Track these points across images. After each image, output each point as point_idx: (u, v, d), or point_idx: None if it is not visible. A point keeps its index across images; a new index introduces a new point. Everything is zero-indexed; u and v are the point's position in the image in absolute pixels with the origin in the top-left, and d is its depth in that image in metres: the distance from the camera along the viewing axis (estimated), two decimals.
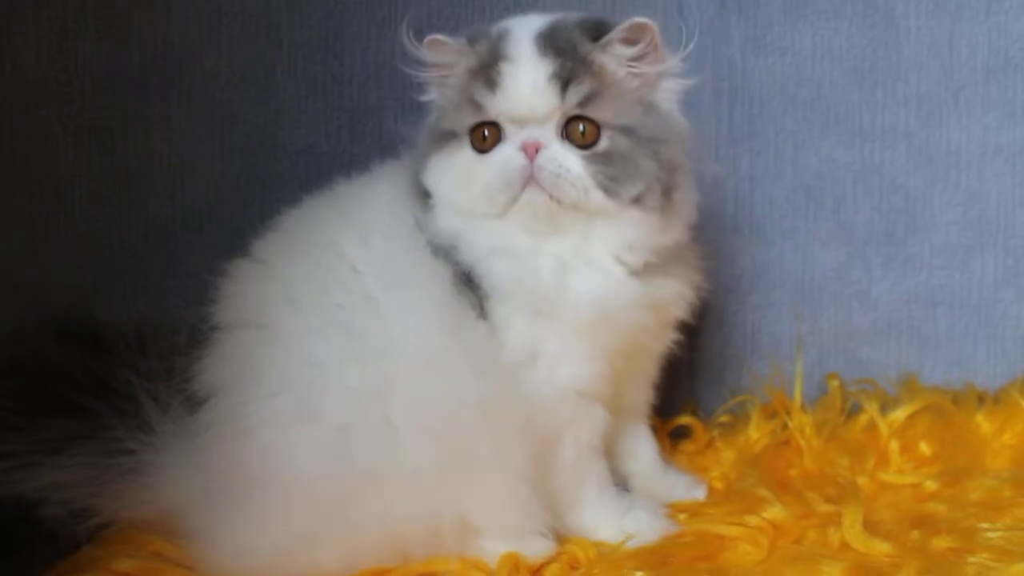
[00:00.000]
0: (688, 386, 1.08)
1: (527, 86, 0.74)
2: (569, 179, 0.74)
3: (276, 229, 0.80)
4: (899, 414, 0.97)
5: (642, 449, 0.89)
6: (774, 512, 0.79)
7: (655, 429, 0.96)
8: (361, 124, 1.01)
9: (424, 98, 0.81)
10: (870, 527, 0.79)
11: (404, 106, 1.01)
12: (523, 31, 0.77)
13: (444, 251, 0.76)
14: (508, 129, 0.75)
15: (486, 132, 0.76)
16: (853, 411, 1.01)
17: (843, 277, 1.08)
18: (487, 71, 0.75)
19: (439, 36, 0.78)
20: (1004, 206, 1.08)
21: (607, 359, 0.78)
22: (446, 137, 0.77)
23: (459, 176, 0.76)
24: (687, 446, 0.97)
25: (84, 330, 0.84)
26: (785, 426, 0.95)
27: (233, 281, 0.78)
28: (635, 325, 0.78)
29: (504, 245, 0.76)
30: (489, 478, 0.73)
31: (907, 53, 1.07)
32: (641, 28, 0.76)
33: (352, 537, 0.71)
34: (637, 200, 0.76)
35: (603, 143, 0.75)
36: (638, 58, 0.77)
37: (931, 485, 0.88)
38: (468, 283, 0.76)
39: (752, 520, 0.78)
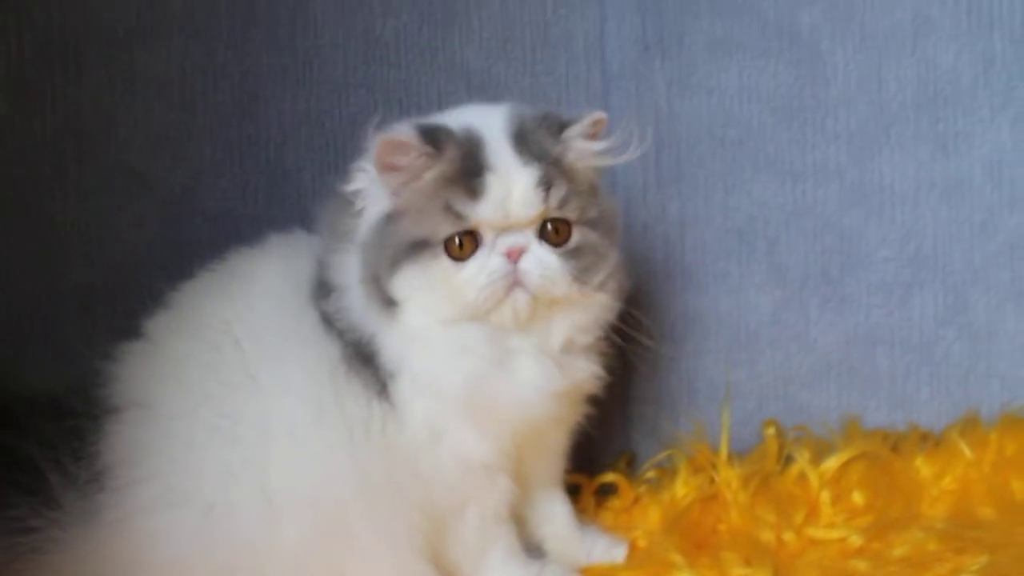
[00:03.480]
0: (624, 436, 1.06)
1: (515, 196, 0.74)
2: (554, 278, 0.75)
3: (167, 306, 0.80)
4: (832, 463, 0.95)
5: (556, 512, 0.87)
6: None
7: (580, 487, 0.95)
8: (279, 187, 1.00)
9: (352, 188, 0.77)
10: None
11: (322, 167, 1.01)
12: (495, 134, 0.76)
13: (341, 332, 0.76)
14: (486, 235, 0.75)
15: (461, 240, 0.74)
16: (791, 460, 0.99)
17: (779, 320, 1.07)
18: (468, 181, 0.74)
19: (402, 136, 0.75)
20: (941, 241, 1.06)
21: (514, 438, 0.78)
22: (416, 247, 0.75)
23: (437, 287, 0.75)
24: (614, 503, 0.96)
25: None
26: (712, 480, 0.94)
27: (123, 363, 0.78)
28: (550, 412, 0.79)
29: (467, 346, 0.75)
30: (372, 555, 0.73)
31: (835, 89, 1.06)
32: (601, 123, 0.78)
33: None
34: (602, 285, 0.79)
35: (574, 239, 0.77)
36: (596, 152, 0.78)
37: (856, 540, 0.86)
38: (366, 363, 0.75)
39: None
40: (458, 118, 0.78)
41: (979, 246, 1.06)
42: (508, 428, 0.77)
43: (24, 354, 0.97)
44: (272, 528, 0.72)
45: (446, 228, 0.74)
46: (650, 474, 0.98)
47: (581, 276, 0.76)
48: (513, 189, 0.74)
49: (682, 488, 0.93)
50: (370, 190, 0.76)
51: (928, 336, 1.06)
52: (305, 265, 0.80)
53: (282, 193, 1.00)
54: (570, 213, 0.76)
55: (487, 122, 0.77)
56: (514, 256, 0.74)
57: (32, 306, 0.98)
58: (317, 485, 0.72)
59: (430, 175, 0.75)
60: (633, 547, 0.88)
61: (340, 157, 1.01)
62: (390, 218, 0.76)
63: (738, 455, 0.98)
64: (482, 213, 0.74)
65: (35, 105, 0.97)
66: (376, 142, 0.74)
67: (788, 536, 0.88)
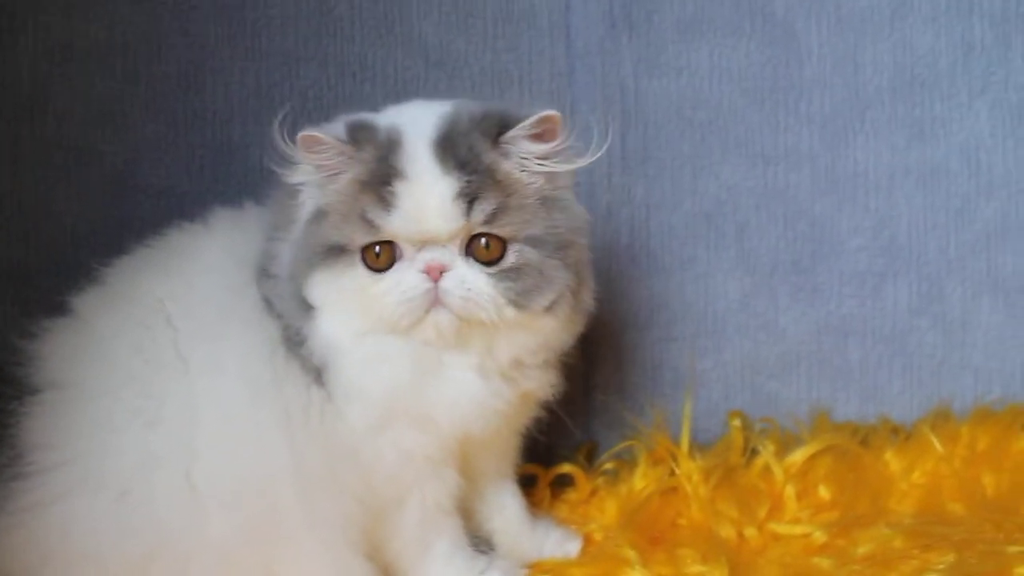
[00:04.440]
0: (585, 426, 1.02)
1: (429, 209, 0.68)
2: (478, 300, 0.68)
3: (97, 282, 0.76)
4: (798, 456, 0.92)
5: (506, 505, 0.83)
6: (635, 575, 0.74)
7: (536, 477, 0.91)
8: (225, 163, 0.96)
9: (293, 181, 0.73)
10: None
11: (270, 143, 0.96)
12: (417, 138, 0.69)
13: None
14: (405, 248, 0.69)
15: (379, 250, 0.69)
16: (757, 453, 0.95)
17: (748, 308, 1.03)
18: (379, 188, 0.68)
19: (315, 132, 0.70)
20: (916, 230, 1.03)
21: (457, 438, 0.74)
22: (333, 252, 0.70)
23: (352, 298, 0.70)
24: (570, 495, 0.92)
25: None
26: (673, 473, 0.90)
27: (45, 340, 0.74)
28: (495, 423, 0.74)
29: (386, 356, 0.71)
30: (305, 549, 0.69)
31: (809, 71, 1.02)
32: (548, 121, 0.70)
33: None
34: (549, 309, 0.71)
35: (510, 258, 0.69)
36: (545, 156, 0.70)
37: (820, 537, 0.83)
38: (302, 347, 0.71)
39: None
40: (393, 115, 0.73)
41: (955, 235, 1.02)
42: (448, 433, 0.73)
43: None
44: (196, 518, 0.68)
45: (361, 236, 0.69)
46: (608, 466, 0.94)
47: (519, 299, 0.69)
48: (428, 201, 0.68)
49: (641, 480, 0.89)
50: (306, 184, 0.72)
51: (901, 327, 1.03)
52: (253, 241, 0.75)
53: (228, 169, 0.96)
54: (502, 229, 0.69)
55: (415, 122, 0.71)
56: (433, 273, 0.68)
57: None
58: (249, 472, 0.68)
59: (346, 177, 0.70)
60: (588, 541, 0.84)
61: (289, 132, 0.96)
62: (316, 217, 0.71)
63: (702, 447, 0.94)
64: (394, 225, 0.68)
65: None
66: (298, 136, 0.70)
67: (750, 532, 0.84)
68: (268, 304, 0.73)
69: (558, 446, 0.97)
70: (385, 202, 0.68)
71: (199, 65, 0.95)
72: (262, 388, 0.70)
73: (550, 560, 0.80)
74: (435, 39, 0.99)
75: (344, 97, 0.97)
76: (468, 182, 0.68)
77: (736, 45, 1.02)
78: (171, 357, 0.71)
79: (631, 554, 0.76)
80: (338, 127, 0.72)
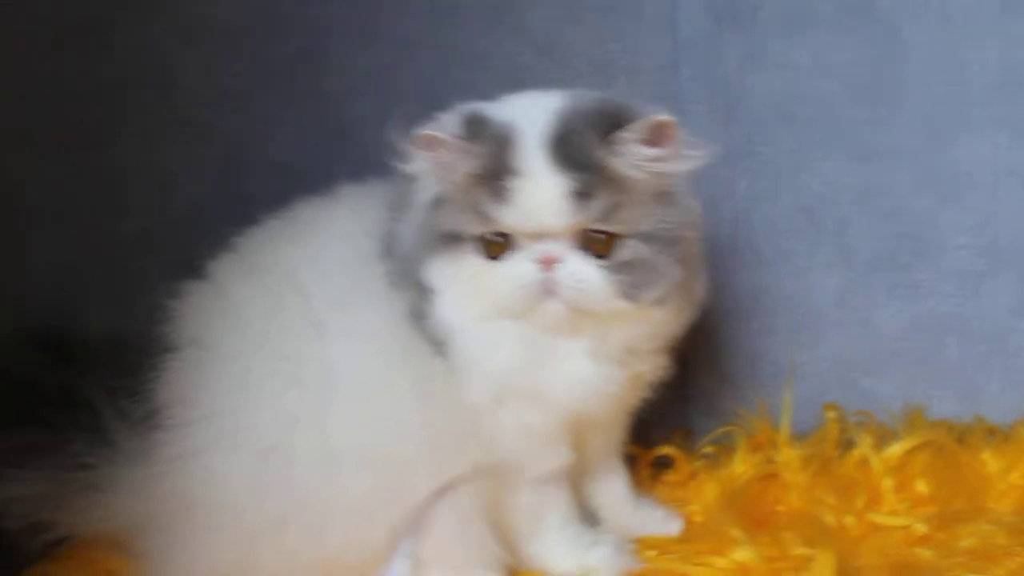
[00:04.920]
0: (681, 412, 1.03)
1: (542, 205, 0.69)
2: (590, 291, 0.70)
3: (232, 250, 0.79)
4: (895, 450, 0.92)
5: (613, 483, 0.85)
6: (743, 554, 0.75)
7: (636, 458, 0.93)
8: (339, 142, 0.99)
9: (410, 169, 0.74)
10: (849, 573, 0.74)
11: (383, 124, 0.99)
12: (531, 136, 0.70)
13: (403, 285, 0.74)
14: (520, 239, 0.71)
15: (494, 239, 0.71)
16: (851, 445, 0.96)
17: (845, 303, 1.03)
18: (494, 183, 0.69)
19: (433, 132, 0.71)
20: (1018, 230, 1.02)
21: (571, 417, 0.76)
22: (450, 239, 0.72)
23: (468, 283, 0.72)
24: (670, 477, 0.93)
25: (57, 342, 0.86)
26: (771, 460, 0.91)
27: (185, 302, 0.77)
28: (607, 405, 0.76)
29: (501, 339, 0.73)
30: (434, 513, 0.70)
31: (913, 69, 1.02)
32: (660, 128, 0.70)
33: (287, 566, 0.70)
34: (660, 301, 0.73)
35: (623, 253, 0.71)
36: (656, 160, 0.71)
37: (921, 528, 0.83)
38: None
39: (719, 562, 0.74)
40: (507, 108, 0.74)
41: None
42: (562, 412, 0.75)
43: (86, 298, 0.97)
44: (332, 478, 0.70)
45: (477, 227, 0.71)
46: (707, 450, 0.95)
47: (630, 292, 0.71)
48: (541, 197, 0.69)
49: (740, 465, 0.90)
50: (424, 172, 0.74)
51: (1001, 327, 1.02)
52: (378, 215, 0.78)
53: (342, 149, 0.99)
54: (615, 225, 0.70)
55: (529, 117, 0.72)
56: (547, 264, 0.70)
57: (94, 251, 0.98)
58: (383, 435, 0.70)
59: (463, 170, 0.71)
60: (688, 522, 0.85)
61: (402, 115, 1.00)
62: (435, 204, 0.73)
63: (797, 437, 0.95)
64: (509, 218, 0.70)
65: (100, 51, 0.97)
66: (415, 135, 0.71)
67: (849, 520, 0.85)
68: (392, 278, 0.75)
69: (654, 430, 0.99)
70: (500, 196, 0.69)
71: (317, 46, 0.99)
72: (393, 356, 0.72)
73: (655, 537, 0.82)
74: (544, 28, 1.01)
75: (455, 83, 0.99)
76: (580, 180, 0.69)
77: (839, 42, 1.02)
78: (304, 323, 0.73)
79: (738, 533, 0.77)
80: (453, 120, 0.73)
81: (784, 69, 1.03)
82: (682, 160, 0.72)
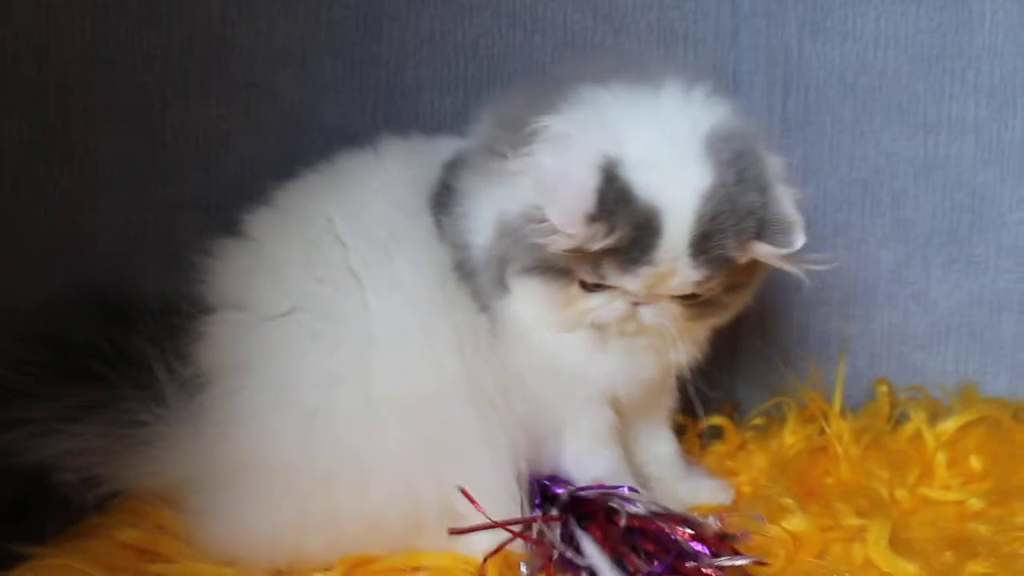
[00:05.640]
0: (728, 384, 1.03)
1: (667, 287, 0.70)
2: (669, 323, 0.73)
3: (268, 203, 0.79)
4: (949, 425, 0.91)
5: (661, 450, 0.85)
6: (796, 523, 0.75)
7: (685, 428, 0.93)
8: (397, 105, 0.99)
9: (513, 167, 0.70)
10: (901, 545, 0.74)
11: (440, 88, 0.99)
12: (678, 229, 0.68)
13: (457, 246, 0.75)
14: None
15: (599, 282, 0.71)
16: (902, 419, 0.95)
17: (899, 277, 1.02)
18: (626, 261, 0.68)
19: (566, 206, 0.66)
20: None
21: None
22: (552, 270, 0.70)
23: (556, 306, 0.73)
24: (718, 447, 0.93)
25: (113, 302, 0.85)
26: (822, 432, 0.90)
27: (221, 260, 0.77)
28: (643, 388, 0.79)
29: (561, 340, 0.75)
30: (476, 464, 0.71)
31: (980, 39, 1.00)
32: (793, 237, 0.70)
33: (334, 521, 0.71)
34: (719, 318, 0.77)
35: (705, 296, 0.72)
36: (777, 259, 0.72)
37: (976, 504, 0.83)
38: (473, 277, 0.74)
39: (771, 530, 0.74)
40: (647, 172, 0.67)
41: None
42: (601, 391, 0.77)
43: (140, 259, 0.98)
44: (377, 433, 0.70)
45: (588, 276, 0.70)
46: (756, 421, 0.95)
47: (701, 316, 0.74)
48: (669, 282, 0.70)
49: (790, 437, 0.90)
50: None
51: None
52: (423, 169, 0.78)
53: (400, 112, 0.99)
54: (712, 291, 0.72)
55: (677, 202, 0.67)
56: (639, 303, 0.72)
57: (148, 212, 0.99)
58: (425, 389, 0.71)
59: (592, 247, 0.67)
60: (737, 492, 0.85)
61: (460, 79, 0.99)
62: (544, 227, 0.68)
63: (849, 411, 0.94)
64: (629, 286, 0.70)
65: (162, 15, 0.97)
66: (552, 200, 0.66)
67: (901, 494, 0.85)
68: (440, 229, 0.75)
69: (701, 401, 0.99)
70: (626, 271, 0.69)
71: (376, 10, 0.98)
72: (435, 309, 0.73)
73: (707, 506, 0.82)
74: None
75: (514, 47, 0.99)
76: (710, 271, 0.69)
77: (904, 11, 1.01)
78: (343, 273, 0.73)
79: (791, 502, 0.77)
80: (584, 180, 0.66)
81: (845, 38, 1.01)
82: (796, 265, 0.72)
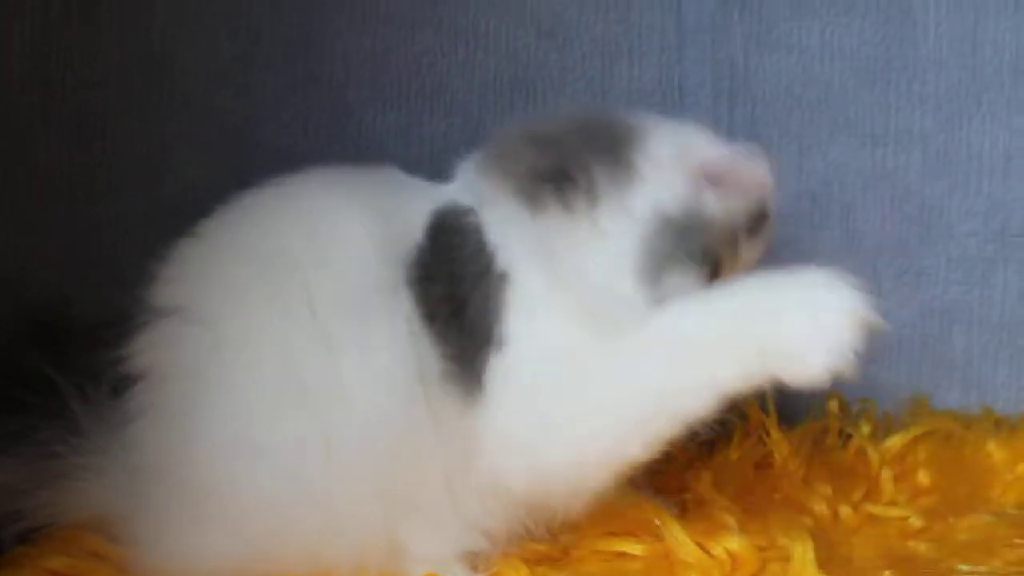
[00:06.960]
0: None
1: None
2: None
3: (230, 210, 0.77)
4: (896, 440, 0.90)
5: None
6: (733, 543, 0.74)
7: None
8: (341, 124, 0.99)
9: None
10: (837, 564, 0.72)
11: (384, 105, 0.99)
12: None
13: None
14: None
15: None
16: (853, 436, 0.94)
17: None
18: (752, 230, 0.75)
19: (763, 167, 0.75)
20: None
21: None
22: (706, 257, 0.73)
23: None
24: (663, 465, 0.92)
25: (46, 325, 0.83)
26: (767, 448, 0.89)
27: (174, 264, 0.75)
28: None
29: None
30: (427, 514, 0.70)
31: (925, 51, 1.00)
32: None
33: (274, 549, 0.69)
34: None
35: None
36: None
37: (918, 521, 0.81)
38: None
39: (714, 549, 0.73)
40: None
41: None
42: None
43: (83, 280, 0.97)
44: (319, 459, 0.67)
45: (727, 259, 0.75)
46: (703, 437, 0.94)
47: None
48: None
49: (735, 452, 0.89)
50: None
51: (1010, 316, 1.01)
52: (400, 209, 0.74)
53: (343, 131, 0.99)
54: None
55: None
56: None
57: (91, 232, 0.98)
58: (393, 456, 0.69)
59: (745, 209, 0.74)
60: (683, 509, 0.84)
61: (403, 96, 0.99)
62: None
63: (795, 426, 0.94)
64: (746, 254, 0.76)
65: (106, 32, 0.97)
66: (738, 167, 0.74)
67: (844, 511, 0.83)
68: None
69: None
70: (753, 235, 0.76)
71: (317, 28, 0.98)
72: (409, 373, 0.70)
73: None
74: (547, 8, 1.00)
75: (457, 64, 0.99)
76: None
77: (849, 23, 1.01)
78: (310, 331, 0.69)
79: (730, 519, 0.76)
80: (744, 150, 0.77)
81: (791, 51, 1.01)
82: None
